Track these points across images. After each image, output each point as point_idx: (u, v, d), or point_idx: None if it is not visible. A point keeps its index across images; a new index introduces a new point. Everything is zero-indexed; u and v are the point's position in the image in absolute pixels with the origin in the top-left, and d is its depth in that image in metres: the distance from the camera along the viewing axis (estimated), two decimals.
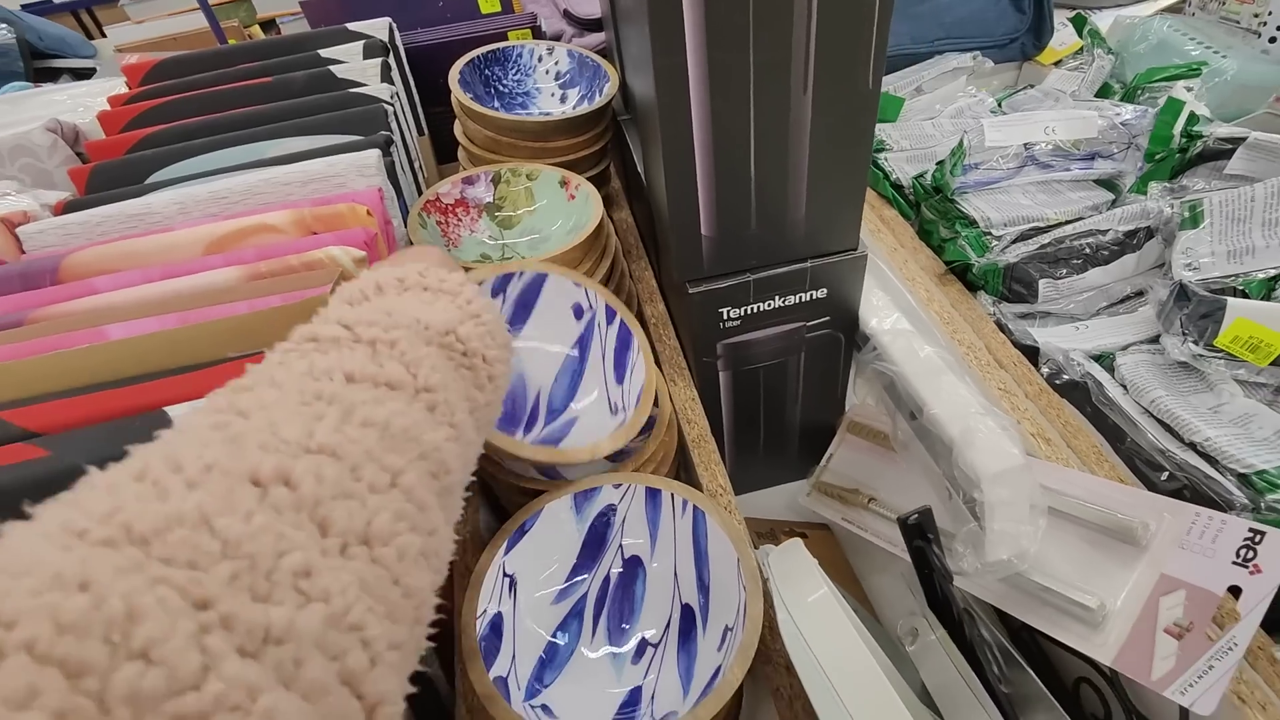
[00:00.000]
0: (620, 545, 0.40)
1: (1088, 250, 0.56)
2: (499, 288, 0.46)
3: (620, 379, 0.46)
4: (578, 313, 0.48)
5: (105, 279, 0.41)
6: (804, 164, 0.41)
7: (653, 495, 0.40)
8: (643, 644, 0.38)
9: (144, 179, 0.52)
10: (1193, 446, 0.44)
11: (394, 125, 0.56)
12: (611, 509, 0.40)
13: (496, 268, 0.46)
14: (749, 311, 0.49)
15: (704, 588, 0.38)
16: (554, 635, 0.38)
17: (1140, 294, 0.56)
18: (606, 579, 0.40)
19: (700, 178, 0.41)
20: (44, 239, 0.46)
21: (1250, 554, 0.35)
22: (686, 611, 0.38)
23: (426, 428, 0.22)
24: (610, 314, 0.48)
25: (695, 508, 0.39)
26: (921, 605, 0.49)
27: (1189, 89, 0.64)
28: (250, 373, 0.22)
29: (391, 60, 0.64)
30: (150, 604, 0.14)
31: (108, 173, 0.52)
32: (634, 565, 0.40)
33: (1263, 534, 0.35)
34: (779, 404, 0.57)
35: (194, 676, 0.13)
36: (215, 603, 0.15)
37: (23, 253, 0.46)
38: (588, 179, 0.59)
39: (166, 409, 0.30)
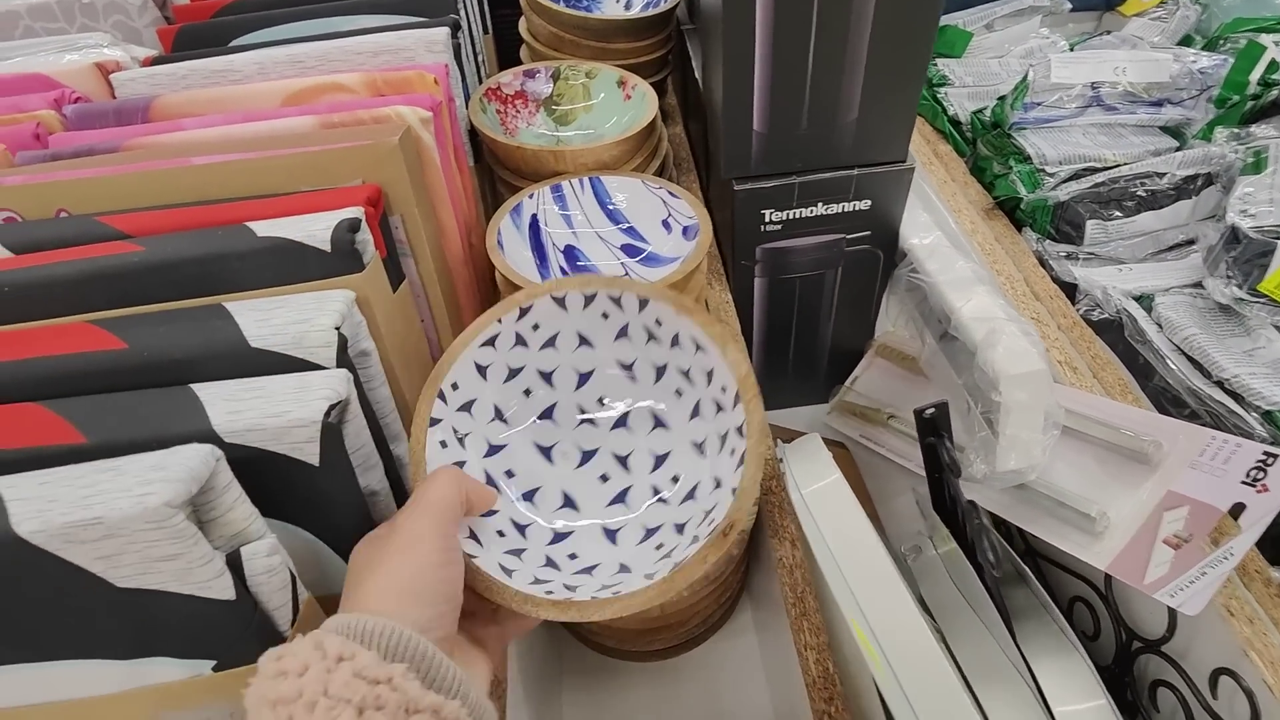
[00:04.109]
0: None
1: (1142, 193, 0.55)
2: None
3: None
4: None
5: (192, 120, 0.43)
6: (861, 61, 0.42)
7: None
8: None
9: (226, 43, 0.55)
10: (1220, 384, 0.45)
11: (462, 12, 0.58)
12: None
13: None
14: (791, 216, 0.50)
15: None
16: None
17: (1190, 242, 0.55)
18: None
19: (758, 67, 0.42)
20: (134, 87, 0.49)
21: (1260, 475, 0.36)
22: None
23: None
24: None
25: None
26: (929, 525, 0.51)
27: (1278, 43, 0.62)
28: None
29: None
30: None
31: (193, 34, 0.55)
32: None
33: (1276, 457, 0.36)
34: (812, 319, 0.58)
35: None
36: None
37: (115, 97, 0.49)
38: None
39: (250, 224, 0.33)
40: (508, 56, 0.76)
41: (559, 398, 0.38)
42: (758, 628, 0.53)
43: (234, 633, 0.25)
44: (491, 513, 0.34)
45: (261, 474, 0.28)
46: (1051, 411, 0.41)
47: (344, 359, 0.31)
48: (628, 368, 0.38)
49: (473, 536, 0.32)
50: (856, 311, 0.58)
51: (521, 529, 0.34)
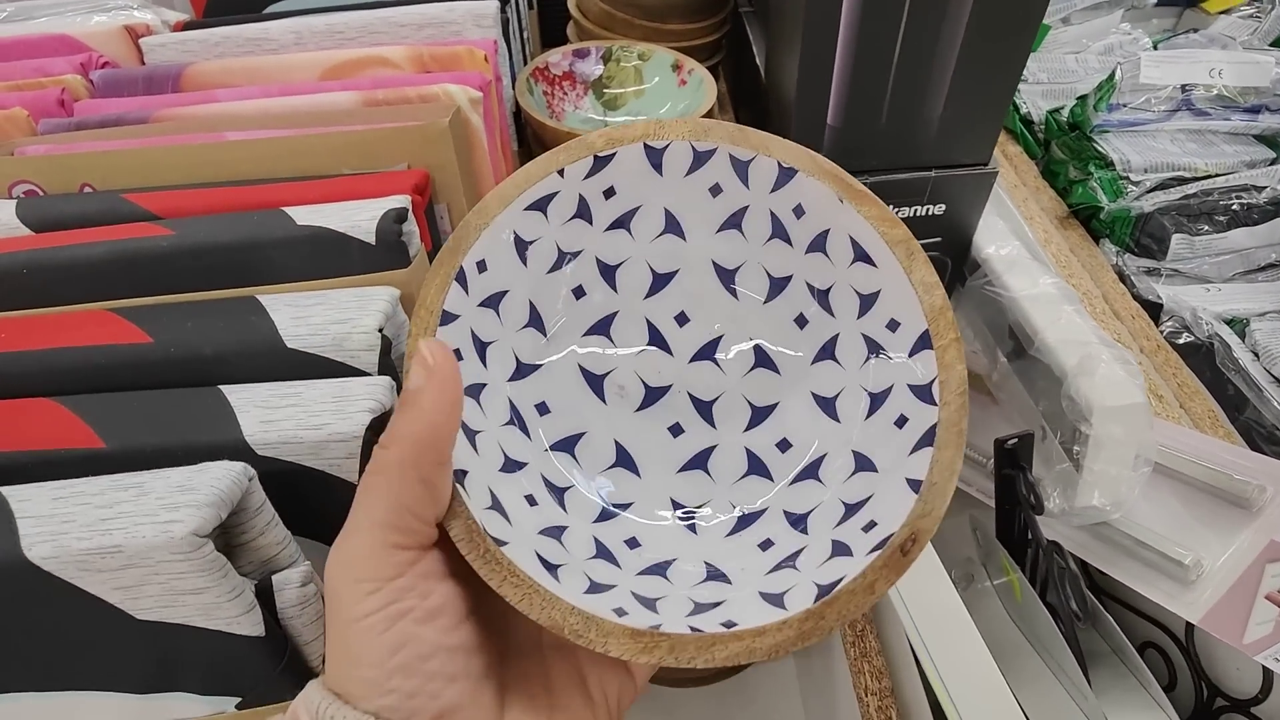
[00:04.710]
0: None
1: (1236, 208, 0.51)
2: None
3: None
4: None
5: (226, 91, 0.41)
6: (953, 52, 0.38)
7: None
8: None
9: (261, 9, 0.52)
10: None
11: None
12: None
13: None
14: None
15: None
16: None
17: None
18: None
19: (839, 55, 0.38)
20: (164, 53, 0.46)
21: None
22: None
23: None
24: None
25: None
26: (983, 554, 0.48)
27: None
28: None
29: None
30: None
31: None
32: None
33: None
34: None
35: None
36: None
37: (143, 63, 0.47)
38: None
39: (287, 209, 0.30)
40: (550, 35, 0.73)
41: (621, 305, 0.27)
42: (796, 654, 0.50)
43: (262, 670, 0.23)
44: (517, 465, 0.23)
45: (294, 491, 0.25)
46: (1145, 448, 0.37)
47: (386, 364, 0.28)
48: (727, 274, 0.26)
49: (496, 507, 0.21)
50: None
51: (559, 494, 0.24)
